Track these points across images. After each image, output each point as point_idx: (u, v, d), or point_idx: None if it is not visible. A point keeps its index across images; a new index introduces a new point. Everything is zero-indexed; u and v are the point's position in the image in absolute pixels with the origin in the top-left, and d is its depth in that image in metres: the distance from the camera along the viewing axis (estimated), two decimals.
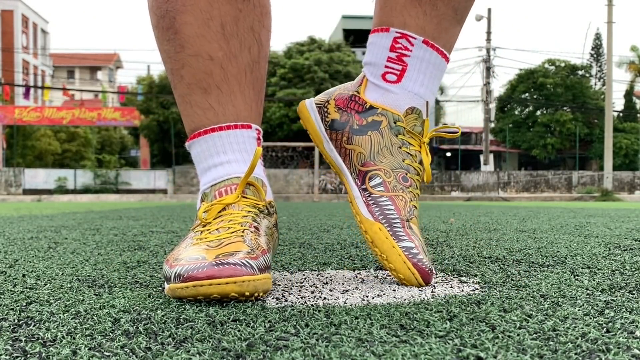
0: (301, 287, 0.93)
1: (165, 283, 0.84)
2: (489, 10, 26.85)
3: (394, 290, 0.89)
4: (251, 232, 0.90)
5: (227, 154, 0.99)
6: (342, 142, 1.02)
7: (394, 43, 1.00)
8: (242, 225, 0.90)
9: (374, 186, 0.98)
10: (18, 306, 0.76)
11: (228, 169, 0.98)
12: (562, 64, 30.12)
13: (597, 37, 35.01)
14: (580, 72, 30.35)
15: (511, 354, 0.52)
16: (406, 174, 0.98)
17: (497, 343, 0.56)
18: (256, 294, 0.78)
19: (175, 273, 0.80)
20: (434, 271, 0.95)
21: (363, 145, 1.00)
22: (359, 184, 1.00)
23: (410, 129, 0.99)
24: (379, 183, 0.98)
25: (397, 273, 0.92)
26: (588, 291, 0.85)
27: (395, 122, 1.00)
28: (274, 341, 0.57)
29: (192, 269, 0.78)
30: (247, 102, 1.01)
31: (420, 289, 0.90)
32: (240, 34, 0.99)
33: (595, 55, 34.73)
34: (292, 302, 0.79)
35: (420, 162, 1.00)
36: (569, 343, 0.56)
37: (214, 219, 0.92)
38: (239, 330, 0.62)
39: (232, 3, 0.98)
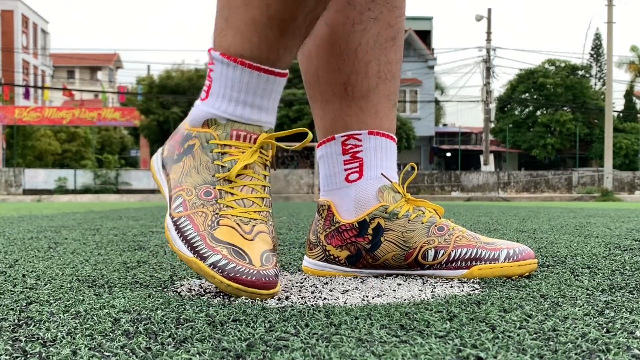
0: (301, 287, 0.93)
1: (182, 246, 0.88)
2: (489, 10, 26.86)
3: (394, 290, 0.89)
4: (271, 213, 0.96)
5: (264, 99, 0.95)
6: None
7: (346, 143, 1.12)
8: (264, 204, 0.94)
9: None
10: (18, 306, 0.76)
11: (257, 114, 0.95)
12: (562, 64, 30.13)
13: (597, 37, 35.02)
14: (580, 72, 30.36)
15: (511, 354, 0.52)
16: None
17: (497, 343, 0.56)
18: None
19: (217, 263, 0.84)
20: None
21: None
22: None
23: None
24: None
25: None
26: (588, 291, 0.85)
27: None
28: (274, 341, 0.57)
29: (239, 272, 0.82)
30: (291, 56, 0.99)
31: (420, 289, 0.90)
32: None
33: (595, 55, 34.73)
34: (292, 302, 0.80)
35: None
36: (569, 343, 0.56)
37: (235, 177, 0.92)
38: (239, 330, 0.62)
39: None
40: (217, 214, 0.90)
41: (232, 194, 0.92)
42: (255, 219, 0.91)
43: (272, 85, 0.95)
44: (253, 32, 0.91)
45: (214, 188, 0.92)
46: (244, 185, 0.93)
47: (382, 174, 1.08)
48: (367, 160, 1.08)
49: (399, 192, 1.07)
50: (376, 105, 1.09)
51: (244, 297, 0.82)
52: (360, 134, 1.08)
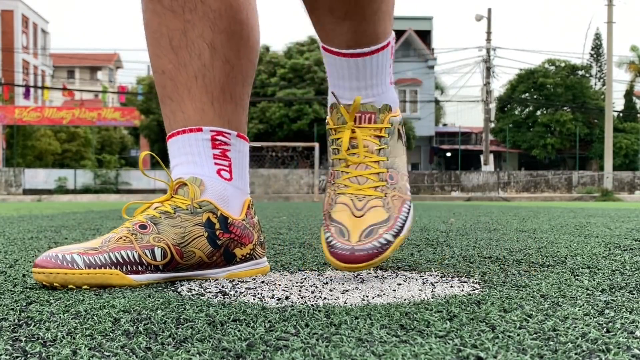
0: (301, 287, 0.93)
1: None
2: (489, 10, 26.85)
3: (394, 290, 0.89)
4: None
5: (176, 158, 1.08)
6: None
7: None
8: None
9: None
10: (18, 306, 0.76)
11: (176, 171, 1.07)
12: (562, 64, 30.12)
13: (597, 37, 35.00)
14: (580, 72, 30.35)
15: (511, 354, 0.52)
16: (331, 169, 1.07)
17: (497, 343, 0.56)
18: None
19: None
20: (357, 249, 0.95)
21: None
22: None
23: (335, 124, 1.06)
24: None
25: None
26: (588, 291, 0.85)
27: (326, 126, 1.11)
28: (274, 341, 0.57)
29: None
30: (197, 107, 1.07)
31: (420, 289, 0.90)
32: (188, 44, 1.06)
33: (595, 55, 34.71)
34: (292, 302, 0.80)
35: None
36: (569, 343, 0.56)
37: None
38: (239, 330, 0.62)
39: (178, 17, 1.06)
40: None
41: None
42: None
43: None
44: None
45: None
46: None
47: (332, 92, 1.08)
48: (328, 75, 1.11)
49: (343, 116, 1.08)
50: (319, 22, 1.04)
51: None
52: (324, 46, 1.08)
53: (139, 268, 0.94)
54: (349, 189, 1.02)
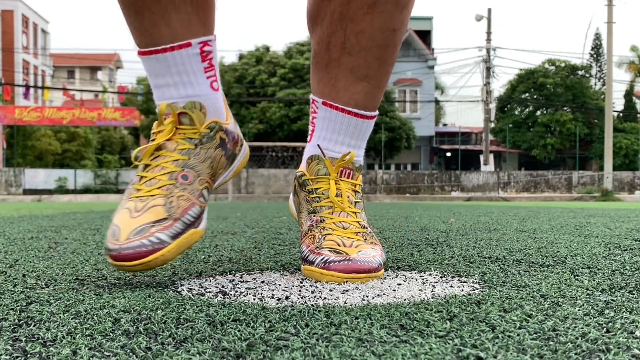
0: (301, 287, 0.93)
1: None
2: (489, 10, 26.85)
3: (394, 290, 0.89)
4: (178, 185, 0.97)
5: (165, 76, 0.99)
6: None
7: (310, 108, 1.14)
8: (169, 179, 0.96)
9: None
10: (18, 306, 0.76)
11: (165, 92, 1.00)
12: (562, 64, 30.12)
13: (597, 37, 35.00)
14: (580, 72, 30.35)
15: (511, 354, 0.52)
16: (313, 216, 1.07)
17: (497, 343, 0.56)
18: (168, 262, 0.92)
19: (105, 245, 0.92)
20: (358, 260, 0.97)
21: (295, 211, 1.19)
22: None
23: (315, 175, 1.10)
24: (300, 236, 1.10)
25: (330, 281, 0.99)
26: (588, 291, 0.85)
27: (301, 178, 1.12)
28: (274, 341, 0.57)
29: (109, 249, 0.90)
30: (183, 19, 0.98)
31: (420, 289, 0.90)
32: None
33: (595, 55, 34.71)
34: (292, 302, 0.80)
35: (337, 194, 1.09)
36: (569, 343, 0.56)
37: (151, 159, 0.98)
38: (239, 330, 0.62)
39: None
40: (127, 198, 0.97)
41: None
42: (154, 195, 0.96)
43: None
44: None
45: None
46: (156, 166, 0.98)
47: (317, 145, 1.10)
48: (317, 128, 1.12)
49: (325, 167, 1.09)
50: (335, 77, 1.08)
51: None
52: (317, 102, 1.11)
53: (202, 216, 0.99)
54: (335, 232, 1.04)
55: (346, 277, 0.96)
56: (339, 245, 1.01)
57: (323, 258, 0.99)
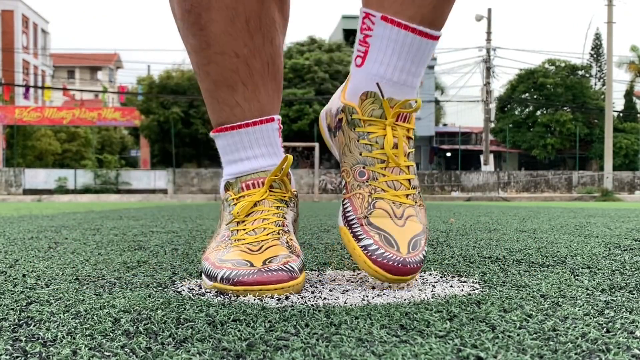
0: None
1: (207, 279, 0.92)
2: (489, 10, 26.84)
3: (394, 290, 0.89)
4: (285, 232, 0.98)
5: (254, 149, 1.04)
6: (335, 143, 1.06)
7: (362, 24, 0.93)
8: (276, 225, 0.98)
9: (342, 189, 1.01)
10: (18, 306, 0.76)
11: (254, 163, 1.04)
12: (562, 64, 30.11)
13: (597, 37, 35.00)
14: (580, 72, 30.35)
15: (511, 354, 0.52)
16: (363, 168, 0.95)
17: (497, 343, 0.56)
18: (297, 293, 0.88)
19: (224, 276, 0.88)
20: (410, 261, 0.87)
21: (337, 148, 1.03)
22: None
23: (368, 116, 0.94)
24: (344, 185, 0.99)
25: (365, 272, 0.94)
26: (588, 291, 0.85)
27: (351, 115, 0.96)
28: (274, 341, 0.57)
29: (241, 275, 0.86)
30: (269, 95, 1.05)
31: (420, 289, 0.90)
32: (263, 27, 1.00)
33: (595, 55, 34.70)
34: (292, 302, 0.80)
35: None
36: (569, 343, 0.56)
37: (246, 216, 0.99)
38: (239, 330, 0.62)
39: None
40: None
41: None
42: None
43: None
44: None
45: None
46: (255, 220, 0.98)
47: (376, 82, 0.93)
48: (373, 50, 0.92)
49: (382, 109, 0.93)
50: None
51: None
52: (373, 16, 0.91)
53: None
54: (386, 193, 0.93)
55: (392, 280, 0.88)
56: (389, 216, 0.91)
57: (371, 245, 0.89)
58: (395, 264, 0.87)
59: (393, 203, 0.93)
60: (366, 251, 0.89)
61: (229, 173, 1.05)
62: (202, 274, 0.95)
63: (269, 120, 1.04)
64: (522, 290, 0.85)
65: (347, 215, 0.95)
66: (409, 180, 0.95)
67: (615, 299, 0.79)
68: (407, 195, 0.94)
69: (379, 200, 0.93)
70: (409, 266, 0.87)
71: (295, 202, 1.07)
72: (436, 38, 0.92)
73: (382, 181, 0.94)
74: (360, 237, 0.91)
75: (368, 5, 0.92)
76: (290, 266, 0.88)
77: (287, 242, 0.97)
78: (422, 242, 0.92)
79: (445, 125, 38.60)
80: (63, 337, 0.59)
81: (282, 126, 1.09)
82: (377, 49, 0.92)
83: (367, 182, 0.94)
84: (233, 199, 1.03)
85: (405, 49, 0.90)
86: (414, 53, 0.91)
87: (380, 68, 0.92)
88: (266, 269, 0.87)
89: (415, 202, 0.95)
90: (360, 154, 0.95)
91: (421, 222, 0.95)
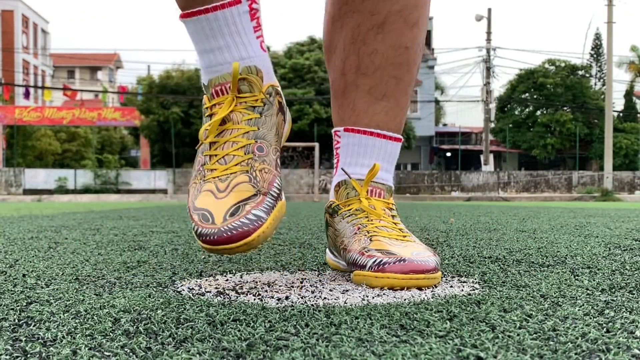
0: (301, 287, 0.93)
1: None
2: (489, 10, 26.85)
3: (394, 290, 0.89)
4: (255, 159, 0.92)
5: (217, 39, 0.93)
6: None
7: (334, 142, 1.13)
8: (245, 153, 0.91)
9: None
10: (18, 306, 0.76)
11: (219, 57, 0.94)
12: (562, 64, 30.11)
13: (597, 37, 34.99)
14: (580, 72, 30.34)
15: (511, 354, 0.52)
16: (201, 156, 0.96)
17: (497, 343, 0.56)
18: (269, 239, 0.87)
19: (195, 231, 0.86)
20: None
21: (332, 243, 1.12)
22: None
23: (345, 199, 1.06)
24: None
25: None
26: (588, 291, 0.85)
27: (330, 206, 1.08)
28: (274, 341, 0.57)
29: (203, 234, 0.84)
30: None
31: (420, 289, 0.90)
32: None
33: (595, 55, 34.70)
34: (292, 302, 0.80)
35: None
36: (569, 343, 0.56)
37: (216, 137, 0.92)
38: (239, 330, 0.62)
39: None
40: (203, 181, 0.92)
41: (215, 155, 0.92)
42: (234, 172, 0.90)
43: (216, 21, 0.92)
44: None
45: (203, 154, 0.94)
46: (225, 142, 0.92)
47: (342, 169, 1.08)
48: (342, 156, 1.10)
49: (354, 189, 1.05)
50: (353, 101, 1.08)
51: (220, 255, 0.89)
52: (339, 131, 1.11)
53: (281, 186, 0.94)
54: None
55: (403, 279, 0.89)
56: (388, 245, 0.95)
57: (375, 260, 0.92)
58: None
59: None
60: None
61: (203, 68, 0.96)
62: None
63: (232, 3, 0.92)
64: (522, 290, 0.85)
65: (352, 259, 1.00)
66: (399, 229, 1.02)
67: (615, 299, 0.79)
68: (403, 237, 1.00)
69: (375, 236, 0.99)
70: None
71: (272, 101, 0.96)
72: (395, 139, 1.09)
73: (373, 227, 1.01)
74: (364, 264, 0.95)
75: (336, 124, 1.12)
76: (253, 214, 0.85)
77: (255, 177, 0.90)
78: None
79: (445, 125, 38.60)
80: (63, 337, 0.59)
81: (258, 5, 0.95)
82: (345, 154, 1.09)
83: (359, 230, 1.02)
84: (207, 107, 0.95)
85: (368, 150, 1.07)
86: (377, 152, 1.08)
87: (349, 167, 1.08)
88: (226, 227, 0.84)
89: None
90: (348, 223, 1.04)
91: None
